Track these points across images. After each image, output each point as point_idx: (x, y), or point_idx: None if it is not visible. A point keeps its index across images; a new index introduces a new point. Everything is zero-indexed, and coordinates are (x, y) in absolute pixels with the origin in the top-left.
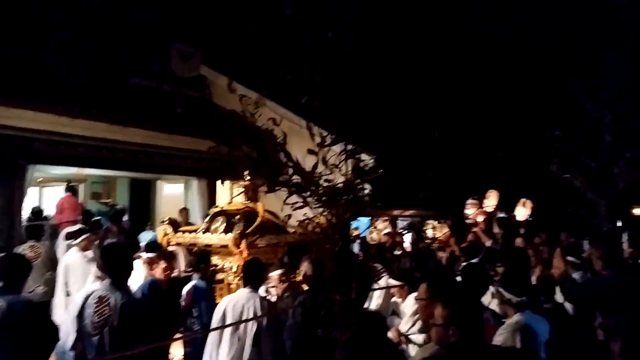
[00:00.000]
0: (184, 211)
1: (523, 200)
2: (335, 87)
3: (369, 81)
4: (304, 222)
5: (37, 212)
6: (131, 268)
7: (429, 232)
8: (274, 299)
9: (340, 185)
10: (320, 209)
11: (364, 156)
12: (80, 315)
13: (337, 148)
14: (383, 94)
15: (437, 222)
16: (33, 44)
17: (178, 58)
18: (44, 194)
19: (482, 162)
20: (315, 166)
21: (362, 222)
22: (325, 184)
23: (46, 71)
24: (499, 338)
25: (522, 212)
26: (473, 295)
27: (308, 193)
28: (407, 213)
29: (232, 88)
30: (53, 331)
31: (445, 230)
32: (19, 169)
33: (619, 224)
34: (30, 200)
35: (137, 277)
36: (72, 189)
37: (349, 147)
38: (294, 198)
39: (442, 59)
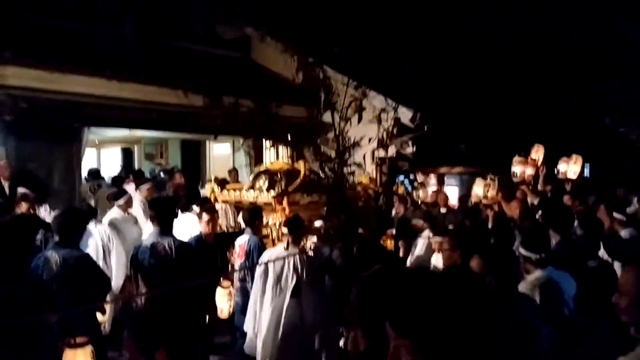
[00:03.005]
0: (233, 171)
1: (575, 156)
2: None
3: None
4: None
5: (94, 173)
6: (175, 217)
7: (479, 191)
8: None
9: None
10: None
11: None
12: (133, 263)
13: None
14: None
15: (488, 179)
16: (81, 14)
17: (222, 19)
18: (102, 156)
19: (529, 116)
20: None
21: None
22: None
23: (96, 39)
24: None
25: (573, 168)
26: (507, 248)
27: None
28: (454, 170)
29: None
30: (105, 282)
31: (495, 188)
32: (74, 131)
33: None
34: (88, 162)
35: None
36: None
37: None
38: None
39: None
